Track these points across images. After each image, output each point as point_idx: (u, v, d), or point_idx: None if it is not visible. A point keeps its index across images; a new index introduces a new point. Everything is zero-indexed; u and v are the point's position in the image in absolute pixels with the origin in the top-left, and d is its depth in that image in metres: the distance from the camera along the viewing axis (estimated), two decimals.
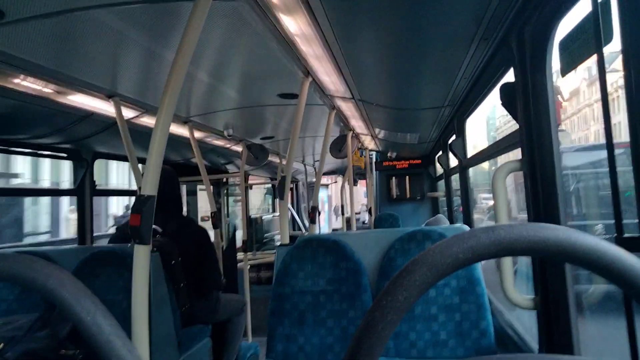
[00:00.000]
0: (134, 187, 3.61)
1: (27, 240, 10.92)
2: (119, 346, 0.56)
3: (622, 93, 1.01)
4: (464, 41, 1.93)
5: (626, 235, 1.01)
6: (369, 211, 6.42)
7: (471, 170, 3.44)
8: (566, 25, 1.32)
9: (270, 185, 8.69)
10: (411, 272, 0.47)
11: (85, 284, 0.58)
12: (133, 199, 2.77)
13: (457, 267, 0.48)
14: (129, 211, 1.61)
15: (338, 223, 11.15)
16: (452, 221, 4.58)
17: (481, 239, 0.48)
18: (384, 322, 0.46)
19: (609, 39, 1.08)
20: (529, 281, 1.75)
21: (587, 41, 1.18)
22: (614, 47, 1.10)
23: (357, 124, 4.35)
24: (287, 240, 2.50)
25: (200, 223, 3.27)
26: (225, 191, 6.27)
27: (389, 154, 6.67)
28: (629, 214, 1.08)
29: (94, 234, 3.47)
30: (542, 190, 1.53)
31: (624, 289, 0.48)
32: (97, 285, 2.23)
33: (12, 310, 2.27)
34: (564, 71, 1.32)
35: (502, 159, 2.23)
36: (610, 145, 1.09)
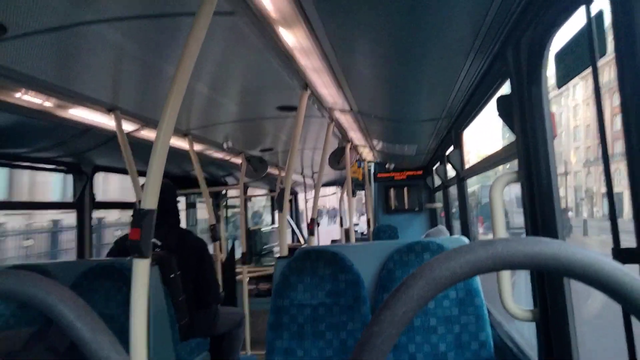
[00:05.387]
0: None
1: None
2: None
3: None
4: (461, 54, 1.95)
5: (623, 247, 1.01)
6: (368, 222, 6.41)
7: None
8: (561, 38, 1.34)
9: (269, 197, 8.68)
10: (410, 286, 0.47)
11: (83, 298, 0.58)
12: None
13: (455, 281, 0.48)
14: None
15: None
16: (451, 232, 4.59)
17: (479, 253, 0.48)
18: (383, 336, 0.46)
19: (602, 51, 1.09)
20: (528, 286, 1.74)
21: (581, 54, 1.20)
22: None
23: (356, 136, 4.37)
24: (286, 252, 2.50)
25: (199, 235, 3.26)
26: (225, 203, 6.26)
27: (387, 165, 6.69)
28: None
29: None
30: (539, 202, 1.53)
31: (621, 304, 0.47)
32: (95, 299, 2.22)
33: (9, 325, 2.25)
34: (560, 83, 1.33)
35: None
36: (605, 157, 1.09)
